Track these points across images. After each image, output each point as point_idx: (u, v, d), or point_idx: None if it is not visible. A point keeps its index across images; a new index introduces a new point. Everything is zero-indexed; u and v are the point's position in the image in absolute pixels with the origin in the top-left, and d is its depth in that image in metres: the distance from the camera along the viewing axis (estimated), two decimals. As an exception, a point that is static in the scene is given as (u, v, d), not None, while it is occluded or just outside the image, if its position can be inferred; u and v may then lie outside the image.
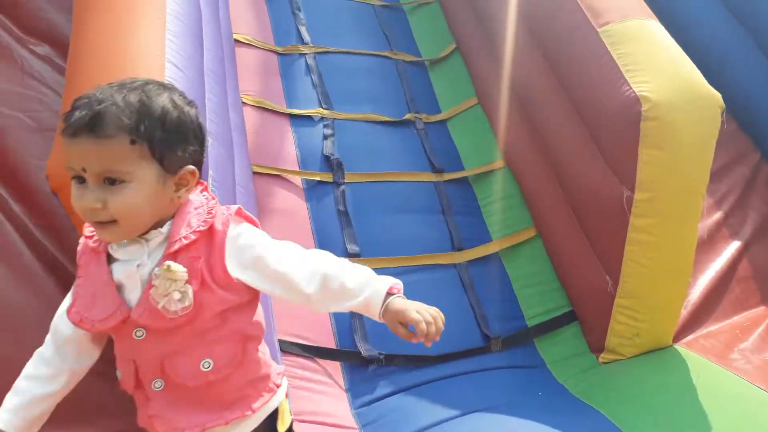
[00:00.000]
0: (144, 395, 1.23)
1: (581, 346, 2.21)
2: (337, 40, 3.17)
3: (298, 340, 2.06)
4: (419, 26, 3.41)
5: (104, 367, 1.81)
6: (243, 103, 2.67)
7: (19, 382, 1.25)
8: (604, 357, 2.14)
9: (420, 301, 2.23)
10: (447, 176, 2.70)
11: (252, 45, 2.99)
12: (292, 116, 2.76)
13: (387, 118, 2.87)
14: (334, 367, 2.06)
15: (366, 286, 1.14)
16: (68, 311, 1.18)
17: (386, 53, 3.19)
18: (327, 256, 1.20)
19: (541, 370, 2.16)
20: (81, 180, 1.05)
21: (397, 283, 1.17)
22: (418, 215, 2.54)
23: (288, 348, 2.02)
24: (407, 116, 2.90)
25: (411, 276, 2.33)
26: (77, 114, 1.02)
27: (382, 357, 2.08)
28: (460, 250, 2.45)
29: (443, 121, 2.96)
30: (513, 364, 2.16)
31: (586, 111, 2.14)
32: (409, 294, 2.25)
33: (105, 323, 1.13)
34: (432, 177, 2.69)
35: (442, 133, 2.90)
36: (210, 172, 1.66)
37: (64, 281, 1.94)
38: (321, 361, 2.04)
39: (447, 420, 1.84)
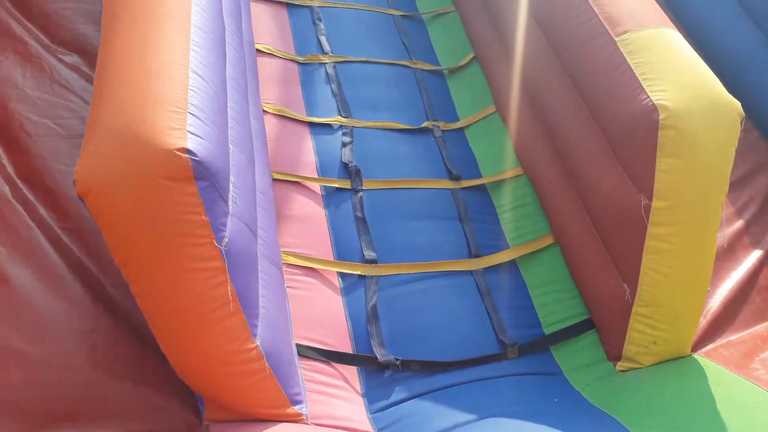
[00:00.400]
0: None
1: (598, 354, 2.21)
2: (357, 49, 3.21)
3: (315, 344, 2.09)
4: (438, 36, 3.44)
5: (126, 369, 1.86)
6: (264, 111, 2.72)
7: None
8: (621, 365, 2.13)
9: (436, 307, 2.27)
10: (464, 183, 2.72)
11: (273, 55, 3.04)
12: (311, 124, 2.81)
13: (405, 126, 2.90)
14: (351, 371, 2.08)
15: None
16: None
17: (405, 62, 3.22)
18: None
19: (558, 378, 2.16)
20: None
21: None
22: (435, 222, 2.56)
23: (305, 352, 2.05)
24: (425, 124, 2.93)
25: (427, 282, 2.35)
26: None
27: (398, 362, 2.09)
28: (476, 257, 2.46)
29: (461, 129, 2.98)
30: (529, 371, 2.16)
31: (604, 119, 2.15)
32: (426, 300, 2.29)
33: None
34: (449, 184, 2.71)
35: (459, 141, 2.92)
36: (231, 178, 1.71)
37: (90, 284, 2.00)
38: (338, 366, 2.07)
39: (462, 425, 1.85)
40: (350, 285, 2.30)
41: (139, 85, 1.60)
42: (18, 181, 2.16)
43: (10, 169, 2.19)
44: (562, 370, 2.19)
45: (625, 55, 2.04)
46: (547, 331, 2.29)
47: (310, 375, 2.01)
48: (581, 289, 2.36)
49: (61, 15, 2.70)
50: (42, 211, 2.11)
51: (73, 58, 2.60)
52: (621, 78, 2.02)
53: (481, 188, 2.73)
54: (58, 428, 1.70)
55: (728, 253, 2.56)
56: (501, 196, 2.70)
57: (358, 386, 2.05)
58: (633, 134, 1.95)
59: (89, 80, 2.52)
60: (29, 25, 2.62)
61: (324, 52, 3.14)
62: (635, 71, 1.99)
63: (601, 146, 2.17)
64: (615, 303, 2.13)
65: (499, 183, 2.74)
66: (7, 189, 2.13)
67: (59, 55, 2.58)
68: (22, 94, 2.39)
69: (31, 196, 2.13)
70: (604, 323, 2.24)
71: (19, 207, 2.08)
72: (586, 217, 2.32)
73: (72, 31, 2.68)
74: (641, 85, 1.94)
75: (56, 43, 2.62)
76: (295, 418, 1.83)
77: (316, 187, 2.58)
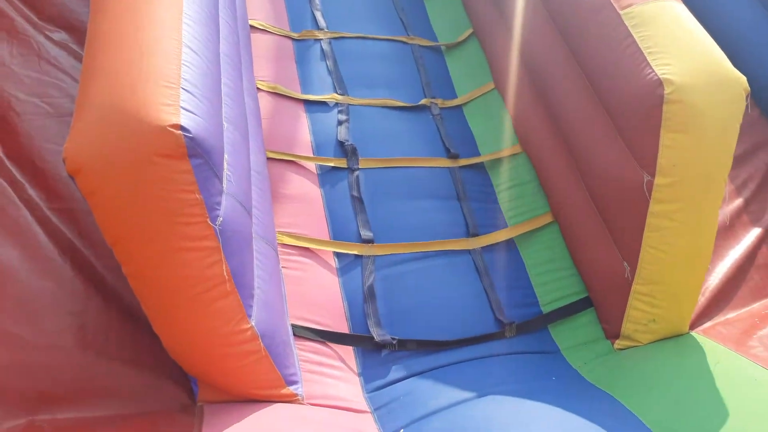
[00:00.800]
0: None
1: (596, 332, 2.19)
2: (353, 25, 3.15)
3: (311, 324, 2.07)
4: (435, 11, 3.38)
5: (117, 350, 1.84)
6: (258, 89, 2.67)
7: None
8: (619, 343, 2.12)
9: (433, 286, 2.25)
10: (462, 162, 2.68)
11: (267, 31, 2.98)
12: (306, 102, 2.76)
13: (402, 104, 2.85)
14: (347, 351, 2.06)
15: None
16: None
17: (402, 38, 3.16)
18: None
19: (555, 356, 2.15)
20: None
21: None
22: (432, 201, 2.53)
23: (300, 332, 2.02)
24: (423, 101, 2.88)
25: (425, 262, 2.32)
26: None
27: (395, 342, 2.07)
28: (474, 236, 2.43)
29: (459, 107, 2.94)
30: (527, 349, 2.15)
31: (607, 95, 2.11)
32: (423, 279, 2.26)
33: None
34: (447, 163, 2.67)
35: (457, 119, 2.88)
36: (226, 156, 1.67)
37: (81, 265, 1.96)
38: (333, 346, 2.05)
39: (459, 403, 1.84)
40: (346, 265, 2.27)
41: (131, 59, 1.55)
42: (6, 161, 2.11)
43: (-3, 148, 2.13)
44: (560, 349, 2.18)
45: (629, 28, 2.00)
46: (545, 309, 2.27)
47: (305, 355, 1.98)
48: (580, 268, 2.33)
49: (49, -10, 2.62)
50: (30, 191, 2.06)
51: (61, 35, 2.53)
52: (625, 52, 1.98)
53: (480, 166, 2.70)
54: (45, 411, 1.67)
55: (727, 231, 2.54)
56: (499, 174, 2.67)
57: (354, 366, 2.04)
58: (637, 109, 1.92)
59: (78, 58, 2.45)
60: (15, 1, 2.55)
61: (319, 28, 3.08)
62: (640, 45, 1.94)
63: (603, 122, 2.13)
64: (614, 281, 2.11)
65: (498, 161, 2.70)
66: (-6, 169, 2.08)
67: (47, 32, 2.51)
68: (9, 72, 2.33)
69: (19, 176, 2.08)
70: (602, 301, 2.23)
71: (6, 187, 2.04)
72: (586, 194, 2.29)
73: (60, 7, 2.60)
74: (646, 60, 1.90)
75: (44, 19, 2.55)
76: (291, 399, 1.81)
77: (311, 166, 2.54)
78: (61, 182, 2.12)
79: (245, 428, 1.58)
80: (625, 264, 2.06)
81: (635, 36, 1.97)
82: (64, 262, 1.95)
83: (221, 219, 1.54)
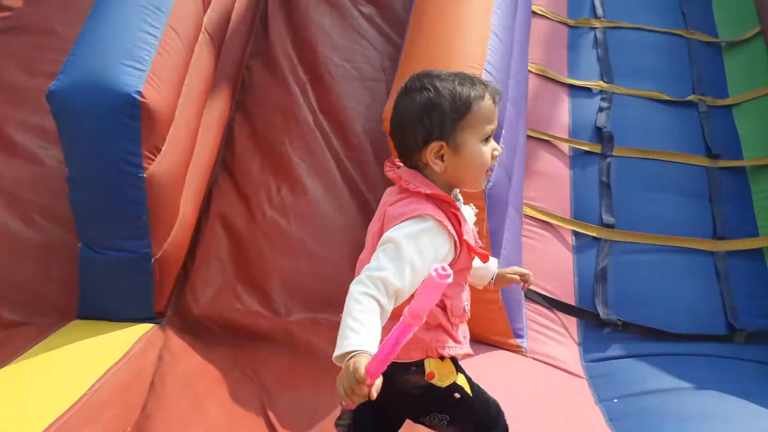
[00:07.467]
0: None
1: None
2: (631, 15, 3.18)
3: (542, 291, 2.28)
4: (721, 6, 3.24)
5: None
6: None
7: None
8: None
9: (666, 280, 2.29)
10: (722, 163, 2.64)
11: (545, 16, 3.15)
12: (571, 87, 2.90)
13: (668, 98, 2.86)
14: (571, 322, 2.24)
15: None
16: None
17: (680, 32, 3.12)
18: None
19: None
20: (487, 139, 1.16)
21: None
22: (681, 198, 2.55)
23: (531, 296, 2.25)
24: (690, 97, 2.85)
25: (663, 255, 2.38)
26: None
27: (619, 323, 2.21)
28: (721, 239, 2.42)
29: (728, 107, 2.85)
30: (756, 358, 2.13)
31: None
32: (658, 272, 2.33)
33: None
34: (705, 162, 2.65)
35: (724, 119, 2.81)
36: (503, 132, 1.94)
37: (362, 205, 2.42)
38: (559, 314, 2.24)
39: (678, 390, 1.93)
40: (583, 245, 2.43)
41: (444, 45, 1.92)
42: (319, 114, 2.64)
43: (313, 102, 2.68)
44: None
45: None
46: (786, 325, 2.21)
47: (533, 317, 2.22)
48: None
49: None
50: (334, 140, 2.57)
51: (370, 10, 3.00)
52: None
53: (740, 170, 2.63)
54: (325, 312, 2.15)
55: None
56: (762, 181, 2.57)
57: (575, 336, 2.22)
58: None
59: (381, 31, 2.91)
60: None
61: (596, 16, 3.17)
62: None
63: None
64: None
65: (762, 168, 2.60)
66: (310, 117, 2.63)
67: (359, 6, 3.00)
68: (329, 39, 2.86)
69: (327, 127, 2.60)
70: None
71: (318, 135, 2.56)
72: None
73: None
74: None
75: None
76: (516, 349, 2.08)
77: (565, 147, 2.70)
78: (354, 135, 2.60)
79: (481, 361, 1.89)
80: None
81: None
82: (351, 200, 2.43)
83: (491, 183, 1.83)
